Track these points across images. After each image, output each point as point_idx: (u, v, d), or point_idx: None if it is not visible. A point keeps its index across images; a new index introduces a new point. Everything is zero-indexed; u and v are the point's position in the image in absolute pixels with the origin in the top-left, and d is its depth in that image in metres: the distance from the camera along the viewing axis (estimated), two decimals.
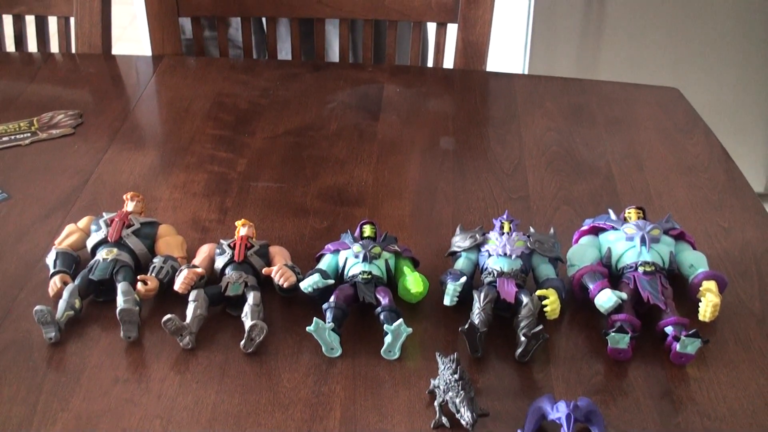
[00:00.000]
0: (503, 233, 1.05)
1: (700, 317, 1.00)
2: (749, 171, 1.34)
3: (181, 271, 1.02)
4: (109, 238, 1.07)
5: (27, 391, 0.91)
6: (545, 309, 0.98)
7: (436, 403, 0.88)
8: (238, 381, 0.93)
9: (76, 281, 1.02)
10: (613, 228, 1.08)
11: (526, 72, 2.62)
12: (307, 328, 0.95)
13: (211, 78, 1.59)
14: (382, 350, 0.96)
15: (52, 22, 1.75)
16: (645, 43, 2.59)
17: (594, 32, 2.59)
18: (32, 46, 1.76)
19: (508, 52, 2.67)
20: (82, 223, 1.12)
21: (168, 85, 1.58)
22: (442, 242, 1.13)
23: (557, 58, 2.64)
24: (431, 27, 1.78)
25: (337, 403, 0.90)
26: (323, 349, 0.96)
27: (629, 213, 1.10)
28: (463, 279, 1.00)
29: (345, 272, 1.03)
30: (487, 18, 1.70)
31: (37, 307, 0.96)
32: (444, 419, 0.87)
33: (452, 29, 1.72)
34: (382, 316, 0.97)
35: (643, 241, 1.04)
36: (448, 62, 1.75)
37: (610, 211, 1.11)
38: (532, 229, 1.08)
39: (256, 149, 1.37)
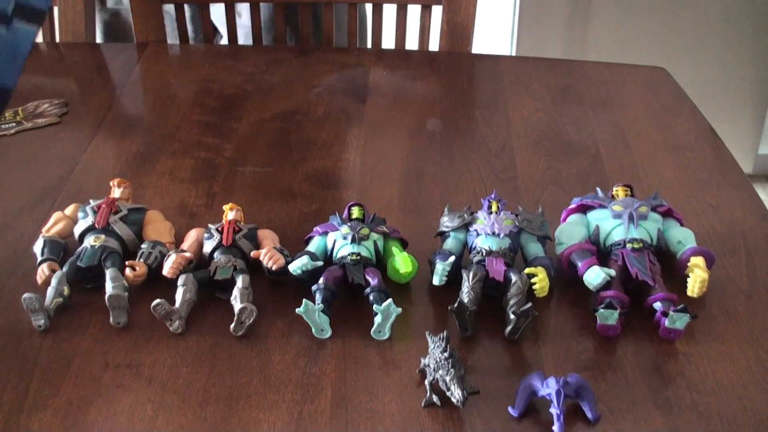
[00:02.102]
0: (491, 212, 1.05)
1: (689, 293, 1.00)
2: (736, 152, 1.34)
3: (169, 256, 1.02)
4: (96, 225, 1.06)
5: (17, 378, 0.91)
6: (534, 287, 0.98)
7: (426, 382, 0.88)
8: (229, 364, 0.93)
9: (65, 268, 1.02)
10: (601, 206, 1.08)
11: (513, 53, 2.62)
12: (297, 310, 0.95)
13: (196, 64, 1.59)
14: (372, 331, 0.96)
15: None
16: (632, 23, 2.59)
17: (581, 12, 2.59)
18: None
19: (496, 33, 2.67)
20: (69, 210, 1.11)
21: (153, 72, 1.58)
22: (431, 223, 1.13)
23: (545, 39, 2.64)
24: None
25: (328, 384, 0.90)
26: (313, 330, 0.96)
27: (617, 191, 1.11)
28: (452, 258, 1.00)
29: (334, 254, 1.03)
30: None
31: (26, 295, 0.96)
32: (435, 398, 0.87)
33: (437, 11, 1.71)
34: (371, 297, 0.97)
35: (630, 218, 1.04)
36: (434, 44, 1.75)
37: (598, 189, 1.12)
38: (520, 208, 1.08)
39: (242, 134, 1.36)
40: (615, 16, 2.59)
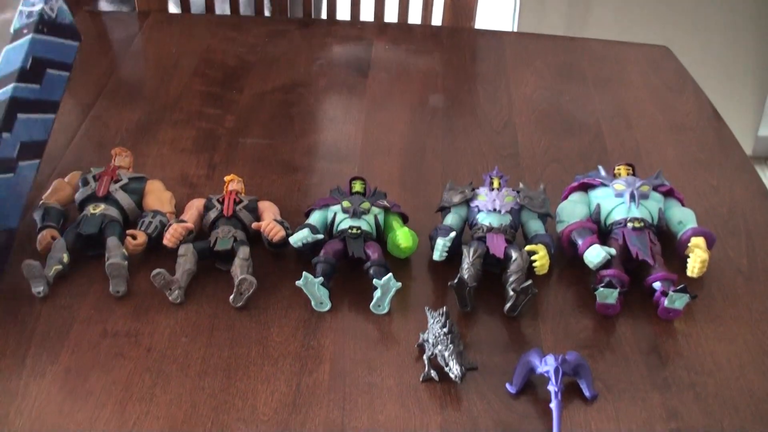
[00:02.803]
0: (493, 189, 1.05)
1: (689, 273, 1.00)
2: (736, 134, 1.34)
3: (169, 225, 1.02)
4: (97, 193, 1.06)
5: (16, 344, 0.91)
6: (534, 264, 0.98)
7: (425, 357, 0.89)
8: (228, 335, 0.93)
9: (65, 236, 1.01)
10: (603, 184, 1.08)
11: (515, 29, 2.61)
12: (297, 283, 0.95)
13: (198, 34, 1.57)
14: (371, 305, 0.96)
15: None
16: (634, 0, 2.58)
17: None
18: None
19: (498, 8, 2.65)
20: (70, 178, 1.11)
21: (155, 41, 1.56)
22: (431, 198, 1.13)
23: (547, 14, 2.63)
24: None
25: (326, 357, 0.91)
26: (312, 303, 0.96)
27: (619, 169, 1.10)
28: (453, 234, 1.00)
29: (334, 227, 1.03)
30: None
31: (26, 262, 0.96)
32: (433, 373, 0.88)
33: None
34: (371, 271, 0.97)
35: (632, 197, 1.04)
36: (436, 19, 1.74)
37: (600, 167, 1.11)
38: (521, 185, 1.08)
39: (244, 105, 1.36)
40: None
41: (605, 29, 2.61)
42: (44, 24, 1.02)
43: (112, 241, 1.00)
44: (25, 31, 1.01)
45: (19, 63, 0.99)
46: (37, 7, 1.02)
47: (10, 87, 0.98)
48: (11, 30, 1.01)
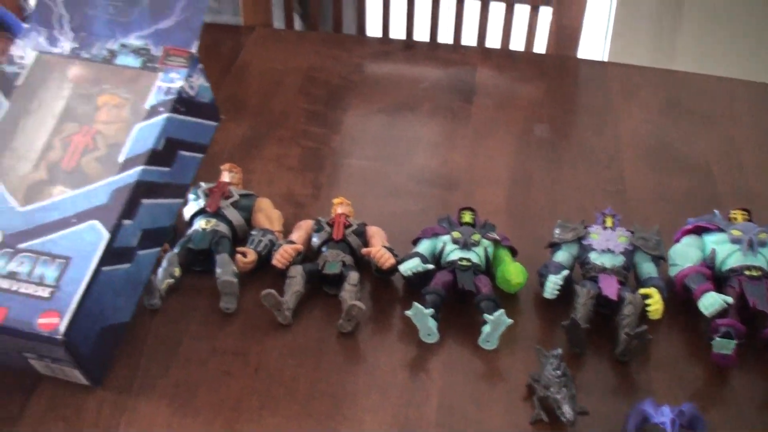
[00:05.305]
0: (606, 228, 1.03)
1: None
2: None
3: (279, 245, 1.02)
4: (207, 208, 1.07)
5: (128, 355, 0.92)
6: (648, 309, 0.96)
7: (535, 398, 0.87)
8: (335, 360, 0.93)
9: (175, 249, 1.02)
10: (719, 229, 1.05)
11: (606, 59, 2.59)
12: (407, 312, 0.94)
13: (302, 51, 1.58)
14: (479, 339, 0.95)
15: None
16: (724, 32, 2.53)
17: (671, 19, 2.54)
18: None
19: (588, 36, 2.63)
20: None
21: (260, 57, 1.58)
22: (537, 231, 1.12)
23: (636, 45, 2.60)
24: None
25: (434, 390, 0.90)
26: (420, 333, 0.95)
27: (735, 214, 1.08)
28: (565, 272, 0.98)
29: (442, 257, 1.02)
30: (583, 1, 1.67)
31: None
32: (543, 414, 0.86)
33: (543, 12, 1.69)
34: (482, 305, 0.96)
35: (750, 244, 1.01)
36: (538, 46, 1.73)
37: (716, 211, 1.09)
38: (636, 225, 1.06)
39: (348, 126, 1.36)
40: (706, 22, 2.53)
41: (693, 60, 2.56)
42: (182, 102, 0.96)
43: (223, 258, 1.00)
44: (161, 109, 0.95)
45: (151, 144, 0.93)
46: (177, 84, 0.96)
47: (137, 170, 0.91)
48: (147, 106, 0.95)
